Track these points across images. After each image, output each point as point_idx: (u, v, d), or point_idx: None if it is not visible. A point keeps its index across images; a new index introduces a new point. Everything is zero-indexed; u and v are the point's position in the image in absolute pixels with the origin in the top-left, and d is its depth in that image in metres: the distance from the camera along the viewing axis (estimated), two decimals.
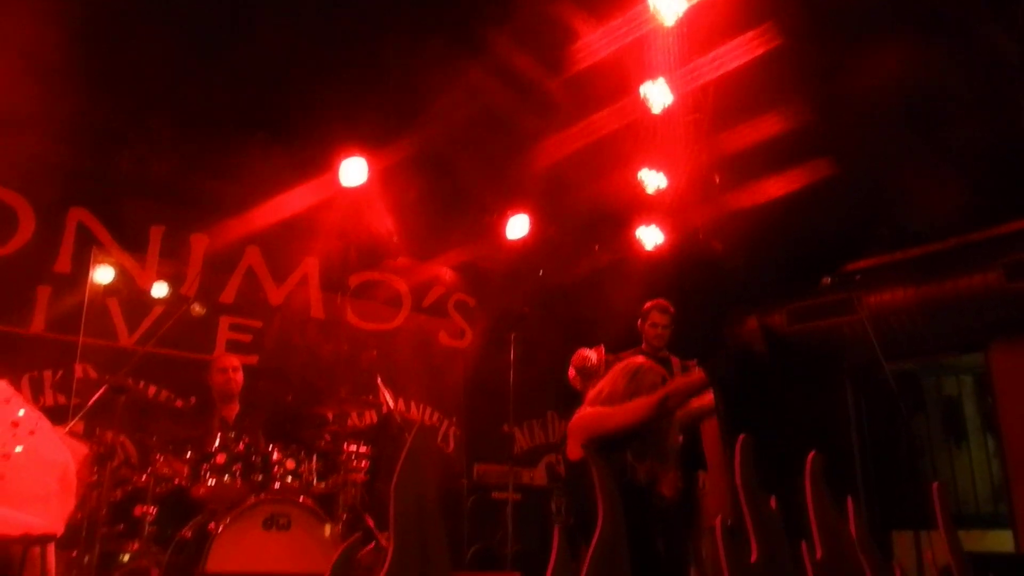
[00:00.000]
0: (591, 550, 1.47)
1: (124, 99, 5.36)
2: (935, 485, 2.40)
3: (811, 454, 1.99)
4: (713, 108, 5.15)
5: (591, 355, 5.41)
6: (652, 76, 4.82)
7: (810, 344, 6.20)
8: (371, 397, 5.81)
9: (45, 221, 5.51)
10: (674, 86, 4.82)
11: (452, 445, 7.13)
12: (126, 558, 4.18)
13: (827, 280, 5.54)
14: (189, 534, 4.19)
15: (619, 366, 3.47)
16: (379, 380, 5.88)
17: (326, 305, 6.78)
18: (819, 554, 1.82)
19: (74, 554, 3.88)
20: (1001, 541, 6.93)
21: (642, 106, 4.99)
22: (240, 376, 5.24)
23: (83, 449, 3.92)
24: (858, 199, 6.29)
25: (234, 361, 5.35)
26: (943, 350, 7.29)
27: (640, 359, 3.52)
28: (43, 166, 5.40)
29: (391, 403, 5.97)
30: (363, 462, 5.06)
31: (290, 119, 5.71)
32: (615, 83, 5.07)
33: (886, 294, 6.75)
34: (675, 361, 5.26)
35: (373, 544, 4.76)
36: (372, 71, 5.33)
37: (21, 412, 3.41)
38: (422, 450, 1.37)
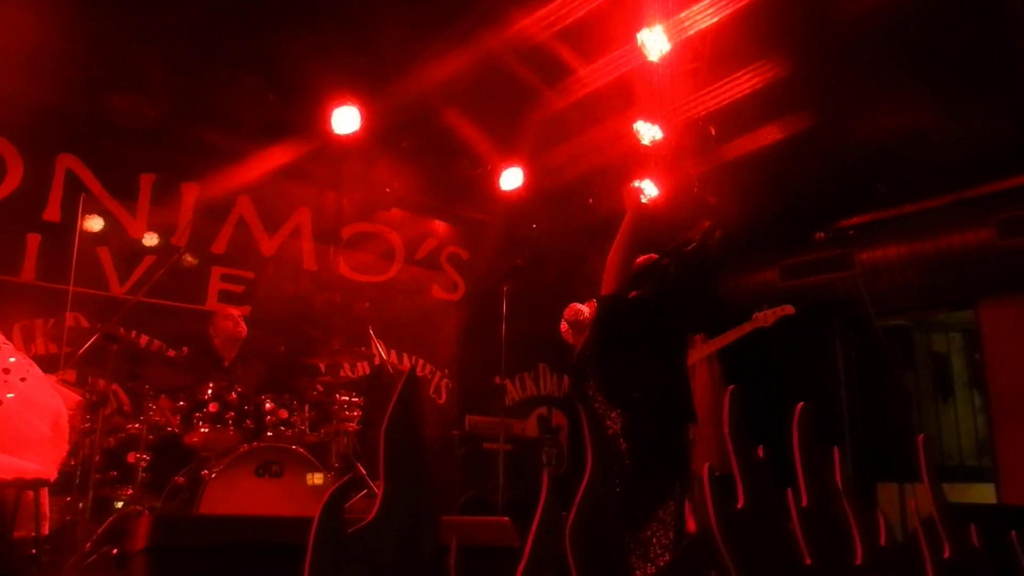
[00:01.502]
0: (579, 496, 1.49)
1: (115, 43, 5.25)
2: (920, 437, 2.43)
3: (799, 405, 2.01)
4: (711, 57, 5.07)
5: (583, 308, 5.42)
6: (649, 24, 4.73)
7: (802, 299, 6.21)
8: (364, 348, 5.83)
9: (33, 167, 5.44)
10: (671, 34, 4.74)
11: (444, 396, 7.18)
12: (120, 504, 4.22)
13: (821, 235, 5.54)
14: (182, 480, 4.24)
15: None
16: (371, 332, 5.89)
17: (319, 256, 6.76)
18: (804, 501, 1.84)
19: (68, 499, 3.91)
20: (984, 494, 7.06)
21: (638, 55, 4.91)
22: (244, 324, 5.27)
23: (75, 397, 3.94)
24: (853, 154, 6.25)
25: (237, 311, 5.37)
26: (934, 307, 7.33)
27: None
28: (31, 110, 5.31)
29: (383, 354, 6.00)
30: (355, 412, 5.11)
31: (283, 67, 5.61)
32: (611, 32, 4.99)
33: (879, 250, 6.76)
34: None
35: (365, 491, 4.81)
36: (366, 19, 5.23)
37: (12, 359, 3.41)
38: (412, 395, 1.37)
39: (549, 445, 6.90)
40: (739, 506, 1.71)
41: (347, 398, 5.07)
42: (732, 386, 1.83)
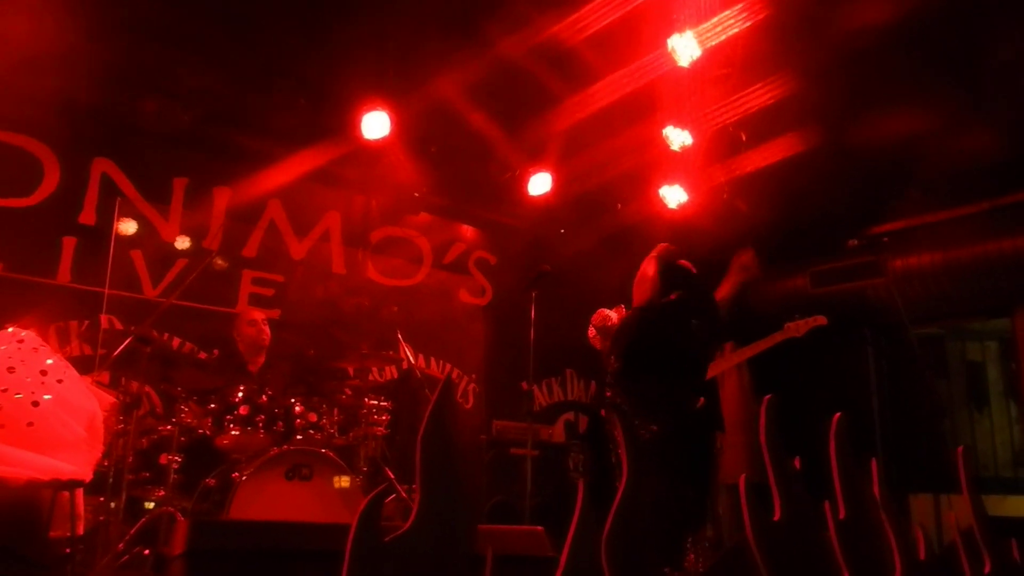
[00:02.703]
0: (615, 505, 1.48)
1: (149, 48, 5.32)
2: (960, 449, 2.38)
3: (836, 415, 1.98)
4: (742, 63, 5.03)
5: (611, 314, 5.39)
6: (679, 29, 4.71)
7: (833, 307, 6.13)
8: (392, 353, 5.85)
9: (70, 171, 5.53)
10: (702, 39, 4.71)
11: (471, 401, 7.18)
12: (151, 504, 4.27)
13: (853, 242, 5.46)
14: (213, 482, 4.27)
15: None
16: (400, 336, 5.91)
17: (347, 260, 6.80)
18: (842, 514, 1.81)
19: (102, 499, 3.96)
20: (1020, 506, 6.92)
21: (668, 61, 4.88)
22: (268, 329, 5.31)
23: (110, 398, 3.99)
24: (887, 160, 6.17)
25: (261, 314, 5.41)
26: (969, 315, 7.20)
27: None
28: (68, 115, 5.41)
29: (411, 359, 6.01)
30: (383, 416, 5.12)
31: (314, 72, 5.66)
32: (641, 37, 4.96)
33: (912, 257, 6.66)
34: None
35: (394, 496, 4.82)
36: (395, 25, 5.25)
37: (49, 361, 3.47)
38: (447, 403, 1.37)
39: (576, 451, 6.88)
40: (776, 517, 1.69)
41: (375, 402, 5.09)
42: (768, 396, 1.81)
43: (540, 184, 6.69)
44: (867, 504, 1.92)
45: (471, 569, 1.29)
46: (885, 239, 6.11)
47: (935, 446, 6.49)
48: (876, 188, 6.57)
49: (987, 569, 2.11)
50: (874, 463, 2.04)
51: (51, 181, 5.47)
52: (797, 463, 1.81)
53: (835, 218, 6.80)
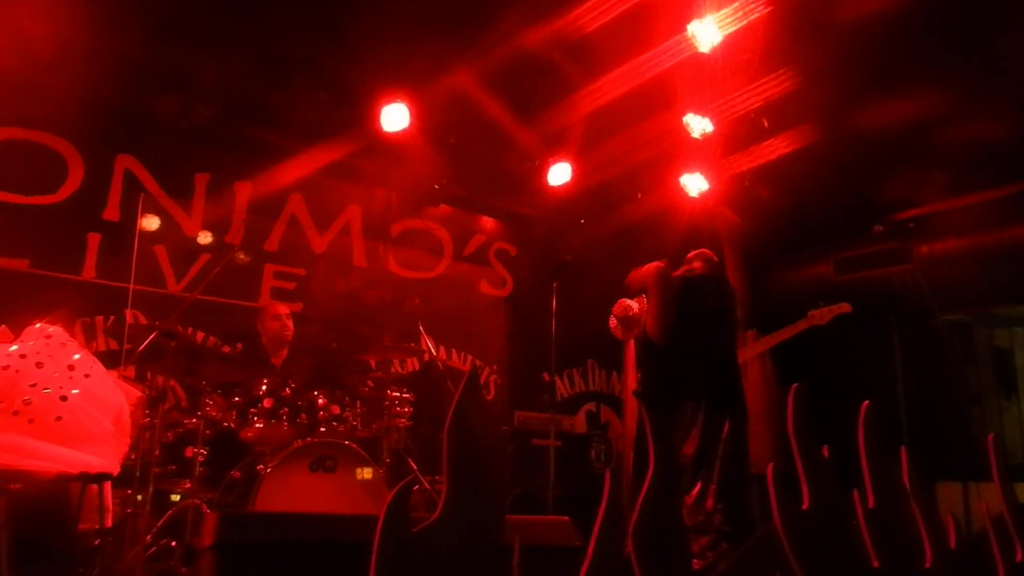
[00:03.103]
0: (642, 496, 1.47)
1: (169, 45, 5.35)
2: (990, 437, 2.35)
3: (864, 404, 1.96)
4: (763, 47, 4.97)
5: (632, 304, 5.37)
6: (700, 14, 4.66)
7: (858, 294, 6.06)
8: (413, 345, 5.86)
9: (93, 168, 5.59)
10: (722, 25, 4.66)
11: (493, 392, 7.19)
12: (177, 497, 4.31)
13: (878, 228, 5.39)
14: (238, 474, 4.30)
15: None
16: (421, 328, 5.92)
17: (368, 253, 6.82)
18: (871, 502, 1.79)
19: (129, 492, 4.01)
20: None
21: (688, 47, 4.83)
22: (292, 324, 5.35)
23: (136, 392, 4.03)
24: (911, 144, 6.08)
25: (286, 308, 5.45)
26: (996, 301, 7.10)
27: None
28: (90, 112, 5.46)
29: (433, 351, 6.02)
30: (406, 408, 5.13)
31: (333, 66, 5.66)
32: (661, 23, 4.92)
33: (938, 243, 6.57)
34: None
35: (417, 487, 4.84)
36: (413, 17, 5.24)
37: (76, 356, 3.50)
38: (473, 394, 1.36)
39: (598, 441, 6.87)
40: (804, 506, 1.67)
41: (398, 394, 5.10)
42: (795, 385, 1.79)
43: (560, 174, 6.66)
44: (897, 492, 1.90)
45: (499, 559, 1.29)
46: (910, 225, 6.04)
47: (963, 434, 6.41)
48: (900, 173, 6.48)
49: (1019, 557, 2.08)
50: (903, 451, 2.02)
51: (75, 178, 5.53)
52: (825, 452, 1.79)
53: (859, 204, 6.72)
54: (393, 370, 6.05)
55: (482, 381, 7.14)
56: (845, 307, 4.96)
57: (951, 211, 6.69)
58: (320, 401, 4.78)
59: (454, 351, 7.03)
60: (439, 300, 7.01)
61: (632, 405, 5.31)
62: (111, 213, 5.62)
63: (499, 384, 7.22)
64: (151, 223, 5.76)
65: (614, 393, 7.85)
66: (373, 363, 5.58)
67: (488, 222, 7.66)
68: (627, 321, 5.37)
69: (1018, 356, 8.18)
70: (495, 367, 7.25)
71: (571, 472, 6.17)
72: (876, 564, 1.72)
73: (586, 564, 1.30)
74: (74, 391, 3.27)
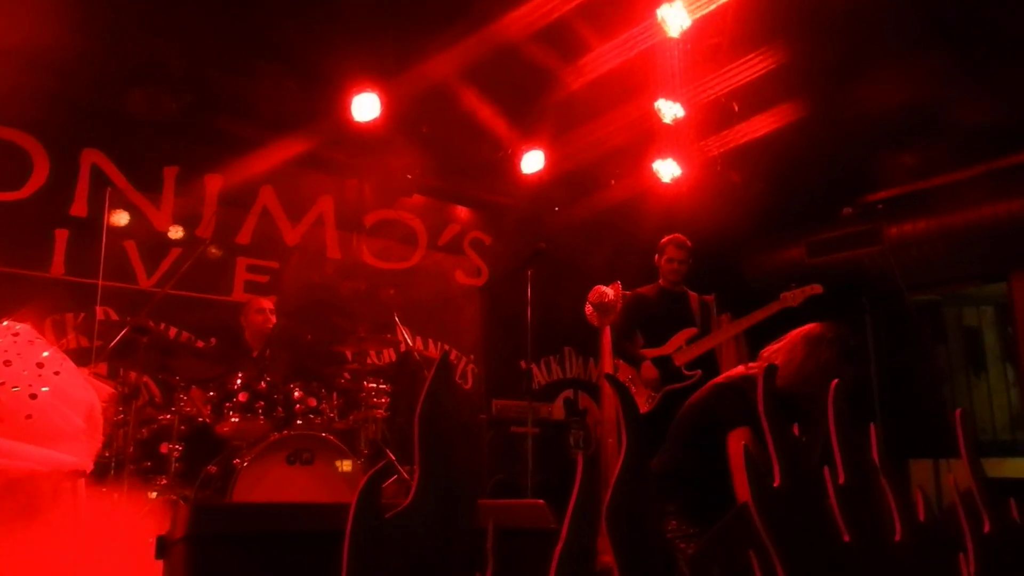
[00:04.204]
0: (614, 478, 1.47)
1: (134, 37, 5.27)
2: (958, 412, 2.38)
3: (833, 382, 1.98)
4: (733, 31, 4.99)
5: (608, 291, 5.40)
6: None
7: (830, 276, 6.13)
8: (389, 335, 5.84)
9: (59, 163, 5.49)
10: (691, 9, 4.67)
11: (471, 382, 7.20)
12: (154, 493, 4.27)
13: (848, 210, 5.45)
14: (215, 469, 4.28)
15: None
16: (397, 318, 5.91)
17: (342, 244, 6.78)
18: (842, 479, 1.81)
19: (104, 490, 3.97)
20: (1018, 468, 6.97)
21: (658, 32, 4.84)
22: (274, 317, 5.32)
23: (108, 389, 3.99)
24: (880, 127, 6.14)
25: (270, 303, 5.42)
26: (965, 280, 7.21)
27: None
28: (55, 107, 5.37)
29: (409, 341, 6.01)
30: (383, 399, 5.13)
31: (302, 55, 5.60)
32: (630, 8, 4.92)
33: (907, 224, 6.66)
34: (692, 296, 5.24)
35: (395, 477, 4.84)
36: (382, 5, 5.20)
37: (45, 353, 3.45)
38: (444, 380, 1.36)
39: (576, 428, 6.91)
40: (775, 484, 1.69)
41: (374, 385, 5.10)
42: (766, 365, 1.81)
43: (533, 162, 6.66)
44: (867, 469, 1.92)
45: (473, 543, 1.29)
46: (880, 206, 6.10)
47: (934, 412, 6.52)
48: (869, 155, 6.55)
49: (986, 529, 2.12)
50: (873, 428, 2.04)
51: (41, 174, 5.43)
52: (796, 430, 1.81)
53: (830, 187, 6.78)
54: (369, 361, 6.04)
55: (459, 371, 7.14)
56: (817, 288, 5.01)
57: (920, 192, 6.77)
58: (296, 394, 4.76)
59: (430, 341, 7.02)
60: (414, 290, 6.99)
61: (609, 390, 5.34)
62: (79, 208, 5.53)
63: (476, 373, 7.23)
64: (120, 218, 5.68)
65: (591, 380, 7.88)
66: (349, 354, 5.57)
67: (462, 211, 7.64)
68: (603, 308, 5.40)
69: (986, 334, 8.33)
70: (472, 356, 7.25)
71: (550, 459, 6.20)
72: (847, 539, 1.74)
73: (560, 545, 1.31)
74: (44, 389, 3.22)
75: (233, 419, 4.50)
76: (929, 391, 6.45)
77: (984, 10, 5.03)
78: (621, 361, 5.21)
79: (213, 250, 5.96)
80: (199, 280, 5.71)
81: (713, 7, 4.64)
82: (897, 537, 1.88)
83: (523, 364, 5.84)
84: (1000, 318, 8.17)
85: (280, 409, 4.64)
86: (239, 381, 4.57)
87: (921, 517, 2.02)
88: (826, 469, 1.84)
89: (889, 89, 5.60)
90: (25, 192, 5.36)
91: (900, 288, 4.60)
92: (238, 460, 4.16)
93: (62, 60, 5.07)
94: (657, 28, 4.80)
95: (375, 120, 5.77)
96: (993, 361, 8.28)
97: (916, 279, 6.63)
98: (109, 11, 4.98)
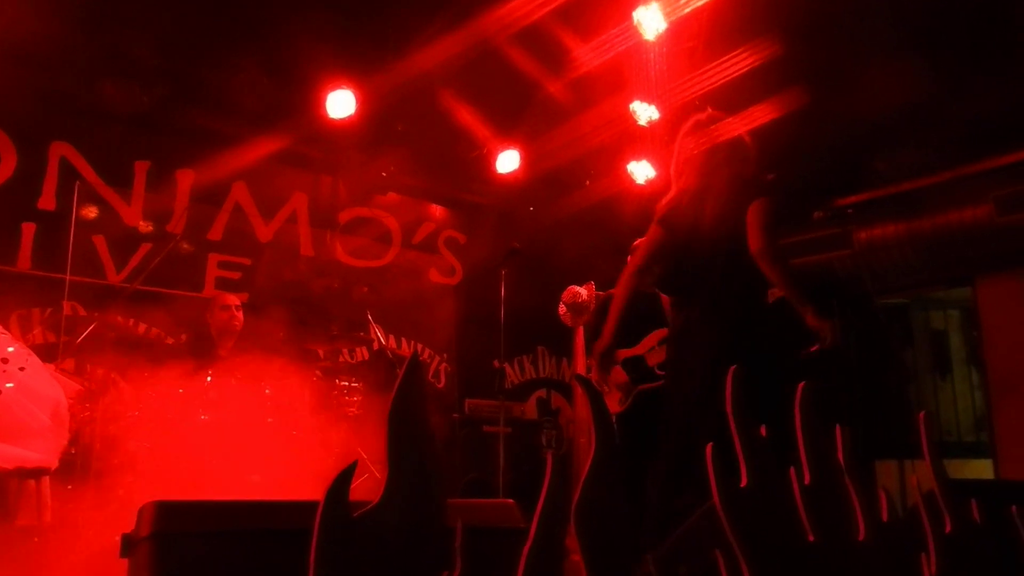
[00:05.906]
0: (583, 476, 1.49)
1: (106, 29, 5.20)
2: (921, 414, 2.43)
3: (800, 385, 2.01)
4: (707, 36, 5.03)
5: (581, 291, 5.42)
6: (645, 1, 4.69)
7: (800, 279, 6.21)
8: (362, 334, 5.82)
9: (27, 156, 5.41)
10: (667, 12, 4.70)
11: (443, 381, 7.19)
12: (122, 491, 4.22)
13: (819, 214, 5.51)
14: None
15: None
16: (370, 317, 5.88)
17: (315, 242, 6.74)
18: (807, 479, 1.84)
19: (70, 487, 3.92)
20: (982, 470, 7.09)
21: (634, 34, 4.87)
22: (241, 315, 5.24)
23: (75, 385, 3.94)
24: (850, 132, 6.22)
25: (236, 300, 5.33)
26: (932, 284, 7.32)
27: None
28: (23, 99, 5.27)
29: (382, 339, 6.00)
30: (355, 397, 5.11)
31: (277, 50, 5.56)
32: (607, 11, 4.95)
33: (876, 228, 6.74)
34: (664, 298, 5.28)
35: (366, 475, 4.82)
36: (360, 1, 5.18)
37: (10, 349, 3.40)
38: (415, 379, 1.37)
39: (548, 427, 6.93)
40: (742, 485, 1.71)
41: (346, 383, 5.07)
42: (733, 367, 1.83)
43: (508, 162, 6.66)
44: (832, 470, 1.95)
45: (441, 542, 1.29)
46: (850, 211, 6.17)
47: (901, 414, 6.62)
48: (840, 160, 6.63)
49: (948, 529, 2.16)
50: (839, 430, 2.08)
51: (7, 166, 5.35)
52: (763, 431, 1.84)
53: (800, 191, 6.85)
54: (342, 359, 6.02)
55: (432, 369, 7.13)
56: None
57: (889, 197, 6.87)
58: (268, 391, 4.72)
59: (403, 340, 7.00)
60: (388, 289, 6.97)
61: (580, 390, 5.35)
62: (46, 202, 5.45)
63: (449, 372, 7.22)
64: (89, 212, 5.61)
65: (564, 380, 7.91)
66: (321, 352, 5.53)
67: (437, 210, 7.63)
68: (576, 308, 5.42)
69: (953, 338, 8.47)
70: (445, 355, 7.24)
71: (522, 458, 6.21)
72: (812, 538, 1.77)
73: (528, 544, 1.31)
74: (8, 385, 3.18)
75: (203, 417, 4.45)
76: (895, 393, 6.55)
77: (954, 16, 5.12)
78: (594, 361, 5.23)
79: (184, 246, 5.89)
80: (170, 276, 5.65)
81: (688, 10, 4.68)
82: (861, 537, 1.91)
83: (496, 363, 5.84)
84: (966, 322, 8.30)
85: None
86: (209, 379, 4.52)
87: (884, 517, 2.06)
88: (792, 470, 1.87)
89: (860, 95, 5.67)
90: None
91: (868, 292, 4.67)
92: None
93: (31, 50, 4.99)
94: (634, 30, 4.82)
95: (350, 117, 5.74)
96: (959, 364, 8.42)
97: (885, 282, 6.72)
98: (80, 2, 4.91)
